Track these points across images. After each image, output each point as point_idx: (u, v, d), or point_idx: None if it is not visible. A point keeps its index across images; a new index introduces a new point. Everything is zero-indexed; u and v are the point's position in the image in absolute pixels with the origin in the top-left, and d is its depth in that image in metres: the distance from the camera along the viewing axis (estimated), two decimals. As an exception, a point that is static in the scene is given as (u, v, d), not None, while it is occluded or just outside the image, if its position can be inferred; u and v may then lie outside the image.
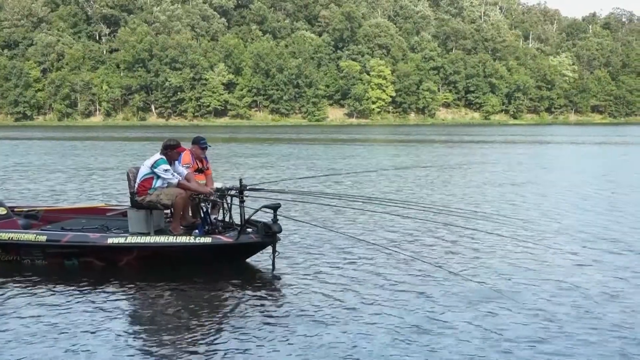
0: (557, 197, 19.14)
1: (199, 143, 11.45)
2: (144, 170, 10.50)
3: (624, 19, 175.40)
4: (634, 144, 54.74)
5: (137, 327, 7.82)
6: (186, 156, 11.11)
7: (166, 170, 10.38)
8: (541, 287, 9.17)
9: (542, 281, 9.47)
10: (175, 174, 10.48)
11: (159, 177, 10.39)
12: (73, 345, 7.07)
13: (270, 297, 8.95)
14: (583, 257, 11.11)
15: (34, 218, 11.83)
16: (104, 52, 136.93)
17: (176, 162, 10.74)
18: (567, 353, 6.84)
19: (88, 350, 6.94)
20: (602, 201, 18.27)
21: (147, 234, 10.29)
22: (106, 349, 7.00)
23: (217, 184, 11.40)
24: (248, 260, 10.61)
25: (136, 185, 10.52)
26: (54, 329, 7.59)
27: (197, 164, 11.40)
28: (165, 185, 10.45)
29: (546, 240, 12.55)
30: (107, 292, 9.05)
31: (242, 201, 10.27)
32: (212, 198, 10.56)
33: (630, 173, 27.59)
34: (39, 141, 57.88)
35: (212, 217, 10.64)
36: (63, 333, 7.45)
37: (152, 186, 10.40)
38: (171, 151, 10.57)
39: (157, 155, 10.55)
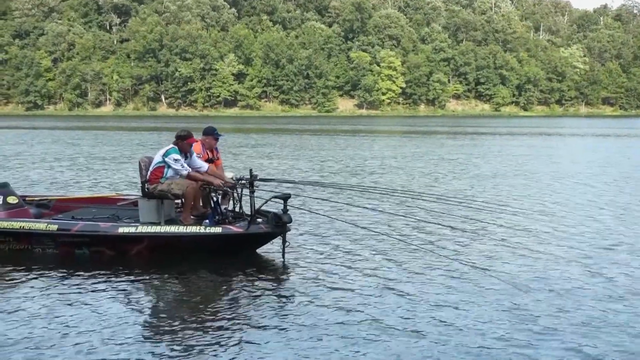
0: (564, 189, 19.12)
1: (213, 134, 11.48)
2: (157, 159, 10.54)
3: (635, 11, 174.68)
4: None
5: (146, 317, 7.86)
6: (197, 146, 11.12)
7: (176, 160, 10.38)
8: (539, 280, 9.19)
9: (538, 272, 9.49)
10: (185, 165, 10.47)
11: (170, 166, 10.42)
12: (81, 334, 7.11)
13: (280, 288, 8.97)
14: (585, 253, 11.13)
15: (45, 207, 11.89)
16: (115, 42, 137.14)
17: (194, 155, 10.76)
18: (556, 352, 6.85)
19: (97, 338, 6.97)
20: (613, 194, 18.26)
21: (158, 223, 10.32)
22: (115, 337, 7.03)
23: (228, 174, 11.42)
24: (258, 250, 10.64)
25: (148, 174, 10.55)
26: (63, 317, 7.63)
27: (208, 154, 11.42)
28: (178, 175, 10.48)
29: (548, 230, 12.57)
30: (117, 282, 9.09)
31: (252, 191, 10.29)
32: (222, 188, 10.59)
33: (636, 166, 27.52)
34: (49, 130, 58.02)
35: (223, 207, 10.67)
36: (72, 322, 7.49)
37: (164, 175, 10.42)
38: (182, 142, 10.57)
39: (170, 145, 10.59)
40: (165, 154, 10.43)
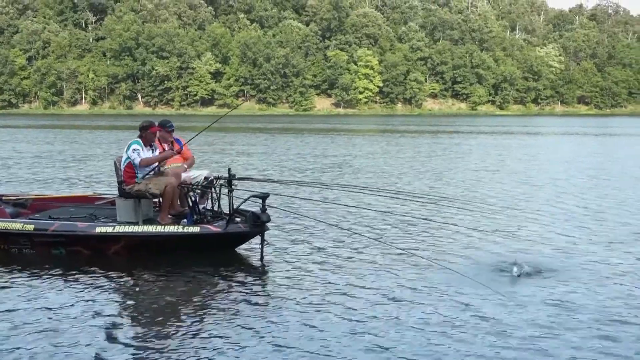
0: (534, 185, 19.32)
1: (166, 126, 11.41)
2: (124, 156, 10.54)
3: (610, 11, 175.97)
4: (614, 134, 55.11)
5: (123, 317, 7.83)
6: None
7: (134, 150, 10.40)
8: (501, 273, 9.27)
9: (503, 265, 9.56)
10: (141, 155, 10.41)
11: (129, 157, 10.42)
12: (58, 334, 7.07)
13: (258, 287, 8.97)
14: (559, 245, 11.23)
15: (22, 207, 11.78)
16: (91, 40, 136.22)
17: (158, 149, 10.78)
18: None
19: (73, 339, 6.93)
20: (581, 188, 18.45)
21: (136, 223, 10.28)
22: (91, 338, 6.99)
23: (205, 173, 11.39)
24: (236, 249, 10.63)
25: (121, 172, 10.53)
26: (39, 318, 7.57)
27: (164, 147, 11.30)
28: (152, 172, 10.47)
29: (517, 224, 12.68)
30: (94, 282, 9.03)
31: (230, 190, 10.27)
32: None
33: (607, 162, 27.77)
34: (25, 129, 57.57)
35: (201, 206, 10.64)
36: (48, 322, 7.44)
37: (136, 170, 10.41)
38: (145, 132, 10.63)
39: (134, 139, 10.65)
40: (127, 148, 10.45)
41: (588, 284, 8.96)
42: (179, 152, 11.36)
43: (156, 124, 10.88)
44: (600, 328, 7.30)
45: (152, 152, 10.65)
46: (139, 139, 10.60)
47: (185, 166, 11.42)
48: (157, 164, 10.54)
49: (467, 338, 6.98)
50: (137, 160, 10.39)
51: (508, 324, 7.39)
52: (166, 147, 11.27)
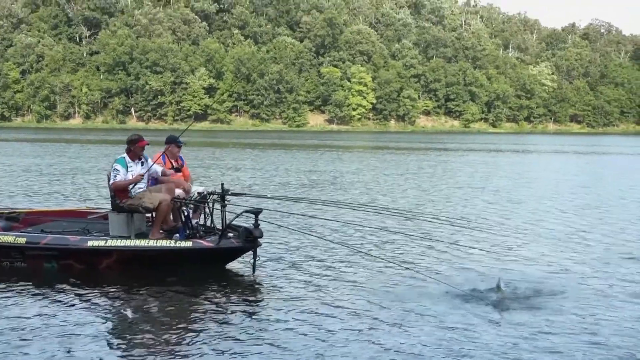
0: (523, 203, 19.39)
1: (176, 141, 11.45)
2: (112, 173, 10.54)
3: (602, 30, 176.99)
4: (606, 153, 55.35)
5: (114, 332, 7.82)
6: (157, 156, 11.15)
7: (114, 170, 10.41)
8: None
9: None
10: (121, 174, 10.38)
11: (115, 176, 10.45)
12: (49, 349, 7.05)
13: (249, 303, 8.96)
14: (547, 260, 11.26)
15: (14, 220, 11.73)
16: (84, 54, 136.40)
17: (149, 161, 10.78)
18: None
19: (63, 353, 6.92)
20: (569, 207, 18.52)
21: (128, 237, 10.26)
22: (82, 352, 6.98)
23: (199, 188, 11.40)
24: (229, 265, 10.61)
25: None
26: (29, 332, 7.55)
27: (172, 163, 11.38)
28: (145, 187, 10.48)
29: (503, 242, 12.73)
30: (85, 296, 9.02)
31: (223, 206, 10.27)
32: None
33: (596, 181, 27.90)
34: (17, 143, 57.48)
35: (194, 221, 10.64)
36: (39, 337, 7.41)
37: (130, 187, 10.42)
38: (133, 146, 10.63)
39: (121, 154, 10.65)
40: (112, 165, 10.50)
41: (573, 303, 8.97)
42: (178, 170, 11.43)
43: (145, 138, 10.86)
44: (583, 346, 7.34)
45: (142, 166, 10.64)
46: (125, 155, 10.59)
47: (190, 184, 11.45)
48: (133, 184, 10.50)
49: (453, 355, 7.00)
50: (110, 182, 10.43)
51: (491, 343, 7.42)
52: (174, 162, 11.34)
